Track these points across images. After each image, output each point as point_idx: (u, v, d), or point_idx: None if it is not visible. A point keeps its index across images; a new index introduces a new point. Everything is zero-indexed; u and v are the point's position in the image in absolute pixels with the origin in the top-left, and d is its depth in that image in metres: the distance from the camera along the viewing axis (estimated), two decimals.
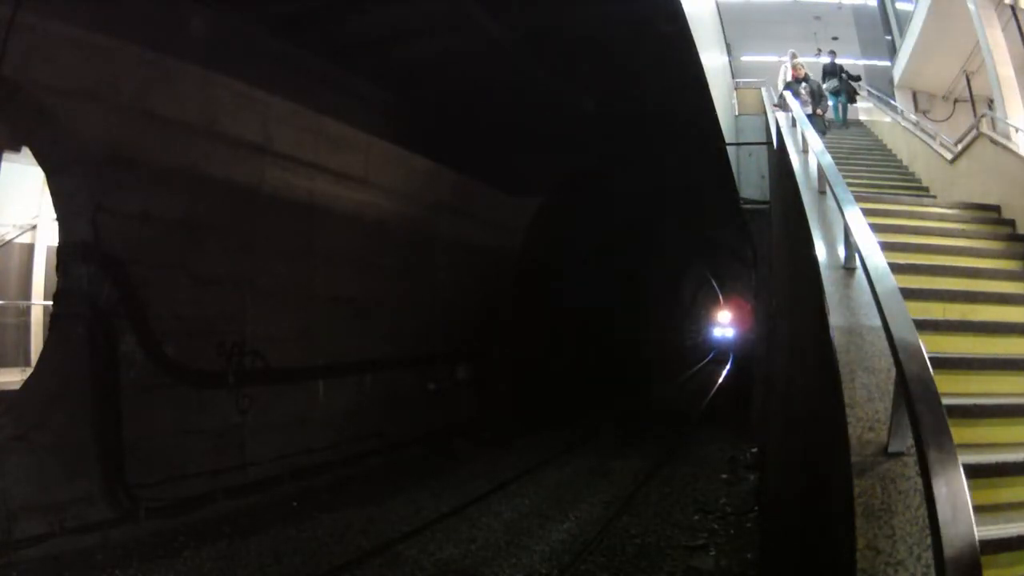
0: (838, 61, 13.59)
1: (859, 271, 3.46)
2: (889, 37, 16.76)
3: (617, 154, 12.35)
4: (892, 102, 12.77)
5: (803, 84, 9.56)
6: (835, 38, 19.97)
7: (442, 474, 9.30)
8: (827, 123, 10.41)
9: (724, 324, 36.09)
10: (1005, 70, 8.23)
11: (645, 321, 23.86)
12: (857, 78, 13.64)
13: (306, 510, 7.43)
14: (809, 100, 9.30)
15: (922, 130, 9.80)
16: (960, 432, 2.29)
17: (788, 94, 8.46)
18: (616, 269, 19.56)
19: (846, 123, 13.31)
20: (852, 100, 13.58)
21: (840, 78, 13.11)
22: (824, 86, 11.36)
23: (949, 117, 13.30)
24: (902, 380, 2.07)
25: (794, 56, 10.37)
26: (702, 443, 12.10)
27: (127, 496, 6.24)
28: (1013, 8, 8.42)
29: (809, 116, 8.48)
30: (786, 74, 10.34)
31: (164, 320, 6.80)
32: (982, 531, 1.71)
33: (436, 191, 11.32)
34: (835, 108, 12.74)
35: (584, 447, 11.61)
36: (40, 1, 5.53)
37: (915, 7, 12.74)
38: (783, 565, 4.37)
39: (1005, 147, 6.42)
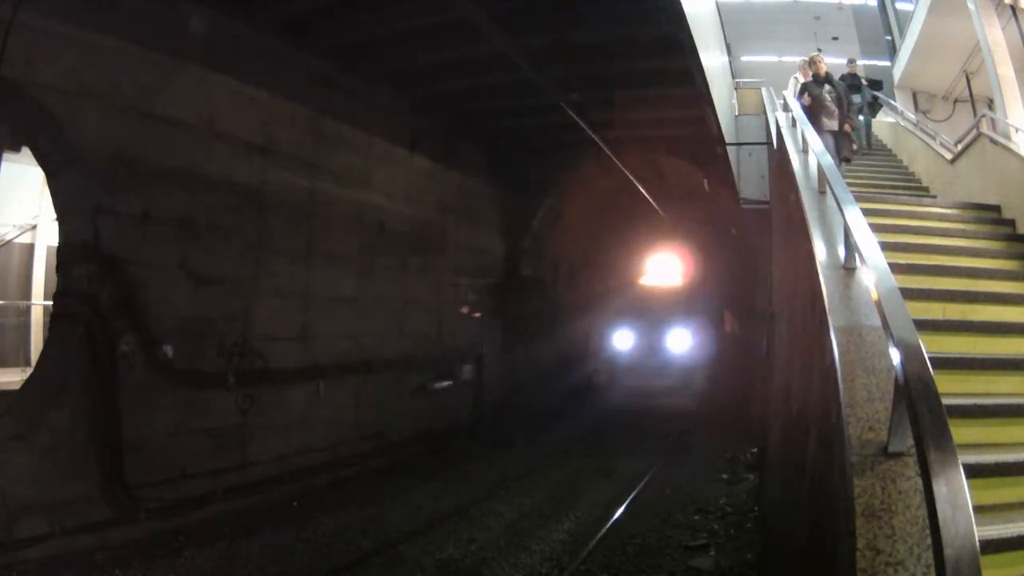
0: (846, 65, 10.67)
1: (859, 271, 3.47)
2: (889, 37, 16.75)
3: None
4: (892, 102, 12.75)
5: (827, 87, 7.27)
6: (835, 38, 19.99)
7: (442, 474, 9.30)
8: (855, 147, 8.05)
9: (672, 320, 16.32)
10: (1005, 70, 8.21)
11: None
12: (879, 84, 11.38)
13: (306, 510, 7.43)
14: (836, 110, 7.16)
15: (922, 130, 9.80)
16: (960, 432, 2.29)
17: (789, 94, 8.04)
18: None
19: (871, 146, 10.97)
20: (874, 114, 11.23)
21: (862, 91, 10.59)
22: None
23: (949, 117, 13.28)
24: (902, 380, 2.07)
25: (813, 61, 7.68)
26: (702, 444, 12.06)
27: (127, 496, 6.23)
28: (1013, 8, 8.41)
29: (835, 134, 7.08)
30: (797, 86, 8.20)
31: (164, 320, 6.80)
32: (982, 531, 1.71)
33: (438, 192, 11.35)
34: (856, 130, 9.84)
35: None
36: (41, 0, 5.54)
37: (915, 7, 12.72)
38: (783, 565, 4.37)
39: (1005, 147, 6.44)
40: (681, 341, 15.22)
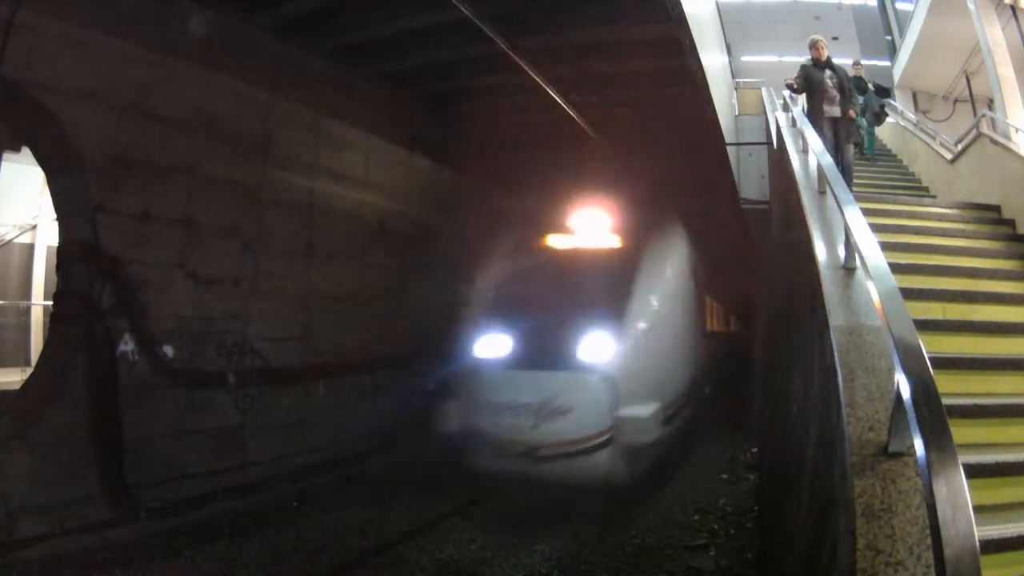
0: (841, 64, 9.39)
1: (859, 271, 3.46)
2: (889, 37, 16.78)
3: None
4: (892, 102, 12.75)
5: (828, 72, 6.96)
6: (835, 38, 19.99)
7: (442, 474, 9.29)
8: (861, 134, 7.51)
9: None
10: (1005, 70, 8.23)
11: None
12: (887, 91, 10.84)
13: (306, 510, 7.43)
14: (837, 96, 6.88)
15: (922, 130, 9.80)
16: (960, 432, 2.29)
17: (787, 93, 7.91)
18: None
19: (872, 155, 10.53)
20: (879, 122, 10.75)
21: (867, 94, 10.03)
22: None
23: (949, 117, 13.30)
24: (902, 380, 2.07)
25: (814, 44, 7.04)
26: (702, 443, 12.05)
27: (127, 496, 6.23)
28: (1013, 8, 8.42)
29: (836, 120, 6.88)
30: (791, 91, 7.53)
31: (164, 320, 6.79)
32: (982, 531, 1.71)
33: (435, 192, 11.33)
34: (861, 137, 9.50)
35: None
36: (41, 1, 5.54)
37: (915, 7, 12.74)
38: (783, 565, 4.37)
39: (1005, 147, 6.44)
40: (615, 349, 7.19)
